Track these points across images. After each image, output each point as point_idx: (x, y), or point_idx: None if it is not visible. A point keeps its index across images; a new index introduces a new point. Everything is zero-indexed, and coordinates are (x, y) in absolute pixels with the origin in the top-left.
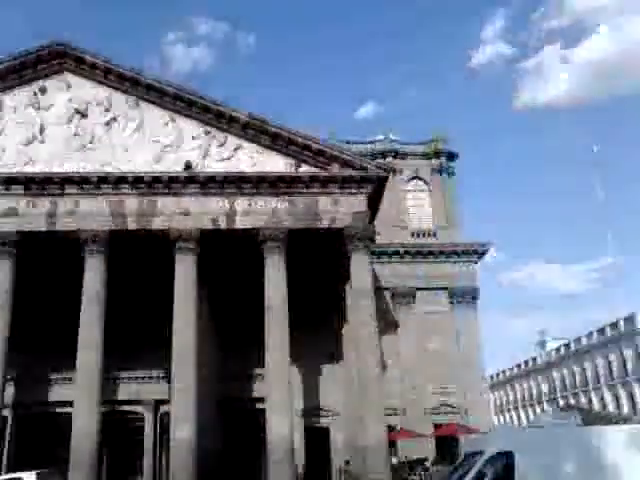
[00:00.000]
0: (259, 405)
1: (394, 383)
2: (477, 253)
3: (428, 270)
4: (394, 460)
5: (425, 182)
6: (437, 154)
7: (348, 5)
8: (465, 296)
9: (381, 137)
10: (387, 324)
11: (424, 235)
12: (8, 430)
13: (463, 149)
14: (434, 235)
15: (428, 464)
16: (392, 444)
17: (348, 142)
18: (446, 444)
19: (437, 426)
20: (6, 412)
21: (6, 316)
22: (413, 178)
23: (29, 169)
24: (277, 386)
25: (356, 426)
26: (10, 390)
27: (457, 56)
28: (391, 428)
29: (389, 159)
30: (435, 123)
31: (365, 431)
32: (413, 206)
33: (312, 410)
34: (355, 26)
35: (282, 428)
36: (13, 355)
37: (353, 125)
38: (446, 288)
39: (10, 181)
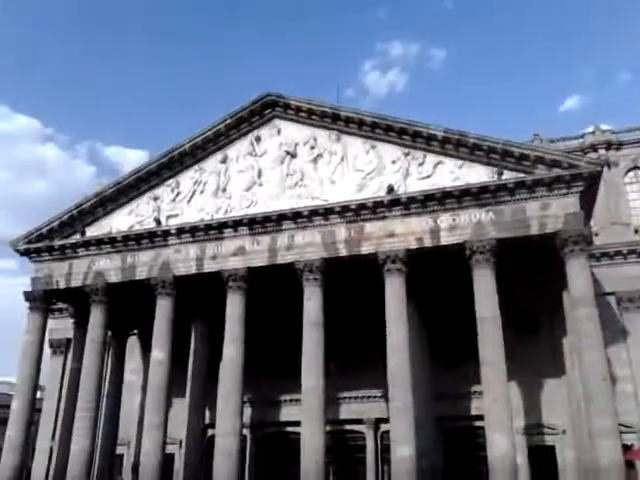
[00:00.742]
0: (478, 423)
1: (627, 397)
2: None
3: None
4: None
5: None
6: None
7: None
8: None
9: (590, 129)
10: (614, 332)
11: None
12: (248, 449)
13: None
14: None
15: None
16: (630, 465)
17: (552, 141)
18: None
19: None
20: (245, 431)
21: (241, 345)
22: (631, 169)
23: (251, 211)
24: (495, 403)
25: (585, 445)
26: (247, 412)
27: None
28: (627, 447)
29: (602, 152)
30: None
31: (595, 450)
32: (635, 200)
33: (535, 427)
34: (548, 20)
35: (503, 447)
36: (248, 379)
37: (559, 120)
38: None
39: (237, 224)
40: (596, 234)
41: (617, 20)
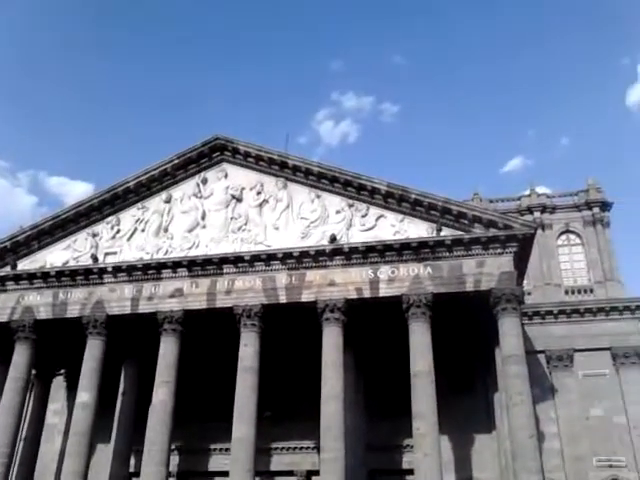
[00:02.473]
0: (409, 477)
1: (554, 454)
2: None
3: (586, 330)
4: None
5: (578, 235)
6: (589, 205)
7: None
8: (631, 357)
9: (527, 192)
10: (543, 390)
11: (579, 292)
12: None
13: (623, 196)
14: (591, 291)
15: None
16: None
17: (491, 201)
18: None
19: None
20: None
21: (172, 389)
22: (564, 232)
23: (192, 253)
24: (426, 457)
25: None
26: (175, 460)
27: (612, 94)
28: None
29: (537, 214)
30: (589, 172)
31: None
32: (565, 262)
33: None
34: (500, 81)
35: None
36: (177, 425)
37: (500, 181)
38: (609, 348)
39: (176, 265)
40: (529, 293)
41: (561, 84)
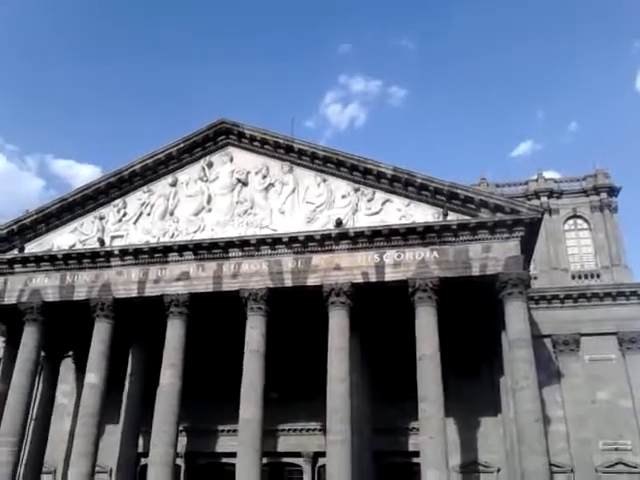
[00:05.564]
0: (415, 459)
1: (559, 438)
2: None
3: (593, 314)
4: None
5: (585, 220)
6: (596, 190)
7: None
8: (638, 341)
9: (534, 177)
10: (549, 374)
11: (586, 277)
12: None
13: (631, 181)
14: (597, 276)
15: None
16: None
17: (498, 185)
18: None
19: None
20: (179, 461)
21: (179, 372)
22: (571, 217)
23: (198, 236)
24: (431, 439)
25: None
26: (183, 441)
27: (622, 79)
28: None
29: (543, 199)
30: (598, 157)
31: None
32: (572, 247)
33: (470, 465)
34: (510, 64)
35: None
36: (185, 407)
37: (509, 166)
38: (615, 333)
39: (183, 248)
40: (535, 278)
41: (571, 68)
